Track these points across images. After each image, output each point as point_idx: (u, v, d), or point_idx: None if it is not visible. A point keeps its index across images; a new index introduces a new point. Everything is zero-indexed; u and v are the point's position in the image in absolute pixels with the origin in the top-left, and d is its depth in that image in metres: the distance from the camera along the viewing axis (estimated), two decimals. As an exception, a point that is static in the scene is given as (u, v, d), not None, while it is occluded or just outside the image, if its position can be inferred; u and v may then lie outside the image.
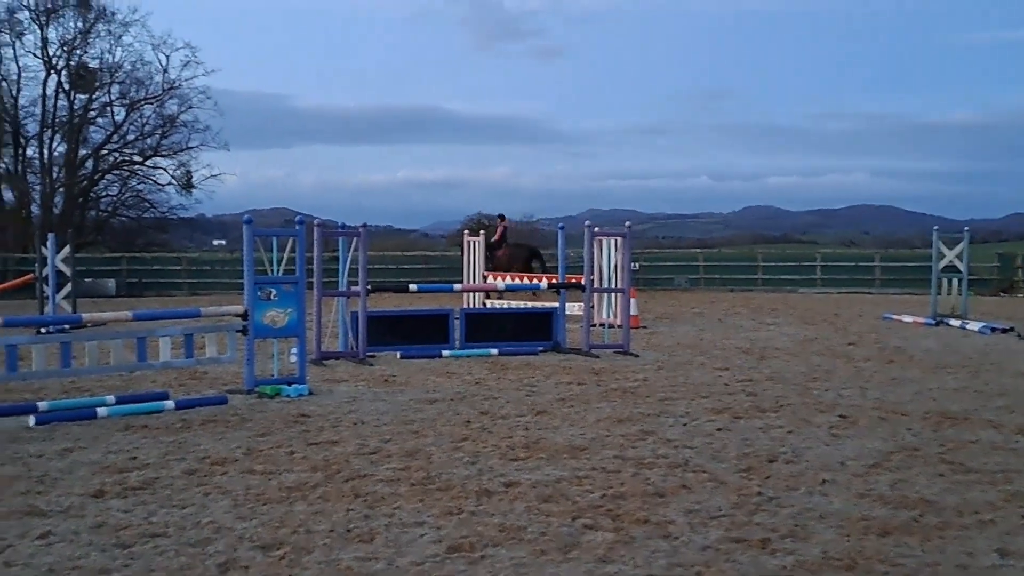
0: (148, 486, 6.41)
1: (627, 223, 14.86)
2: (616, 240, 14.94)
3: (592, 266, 14.58)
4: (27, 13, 38.46)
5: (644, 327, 17.91)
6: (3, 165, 39.11)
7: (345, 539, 5.30)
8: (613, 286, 15.03)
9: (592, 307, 14.72)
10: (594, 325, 14.56)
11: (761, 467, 6.98)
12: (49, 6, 38.63)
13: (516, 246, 25.40)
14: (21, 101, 39.25)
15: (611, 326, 15.15)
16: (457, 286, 16.60)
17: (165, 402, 9.26)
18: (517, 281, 19.09)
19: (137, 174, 42.20)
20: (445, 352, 13.46)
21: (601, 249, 15.30)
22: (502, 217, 26.85)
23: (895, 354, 13.97)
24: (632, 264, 14.95)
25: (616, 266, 14.89)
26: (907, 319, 19.57)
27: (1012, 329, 16.96)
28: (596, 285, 14.82)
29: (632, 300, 15.14)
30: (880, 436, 8.08)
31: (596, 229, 14.70)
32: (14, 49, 38.56)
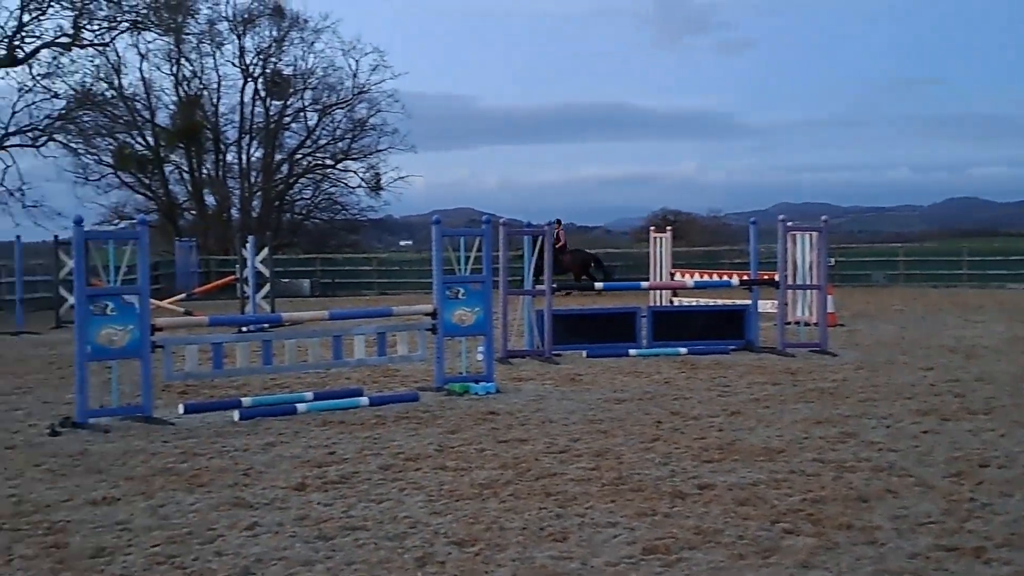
0: (346, 480, 6.58)
1: (823, 217, 14.36)
2: (811, 235, 14.46)
3: (786, 262, 14.16)
4: (226, 24, 40.33)
5: (841, 325, 17.27)
6: (205, 171, 41.20)
7: (538, 537, 5.29)
8: (808, 282, 14.56)
9: (786, 304, 14.30)
10: (789, 323, 14.13)
11: (972, 472, 6.61)
12: (246, 16, 40.42)
13: (576, 251, 27.28)
14: (221, 109, 41.18)
15: (806, 324, 14.67)
16: (644, 283, 16.46)
17: (360, 398, 9.53)
18: (706, 278, 18.76)
19: (329, 177, 43.60)
20: (632, 351, 13.33)
21: (795, 244, 14.83)
22: (559, 222, 26.39)
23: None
24: (828, 259, 14.44)
25: (811, 262, 14.42)
26: None
27: None
28: (790, 282, 14.37)
29: (829, 297, 14.63)
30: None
31: (789, 224, 14.26)
32: (214, 59, 40.46)
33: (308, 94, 41.89)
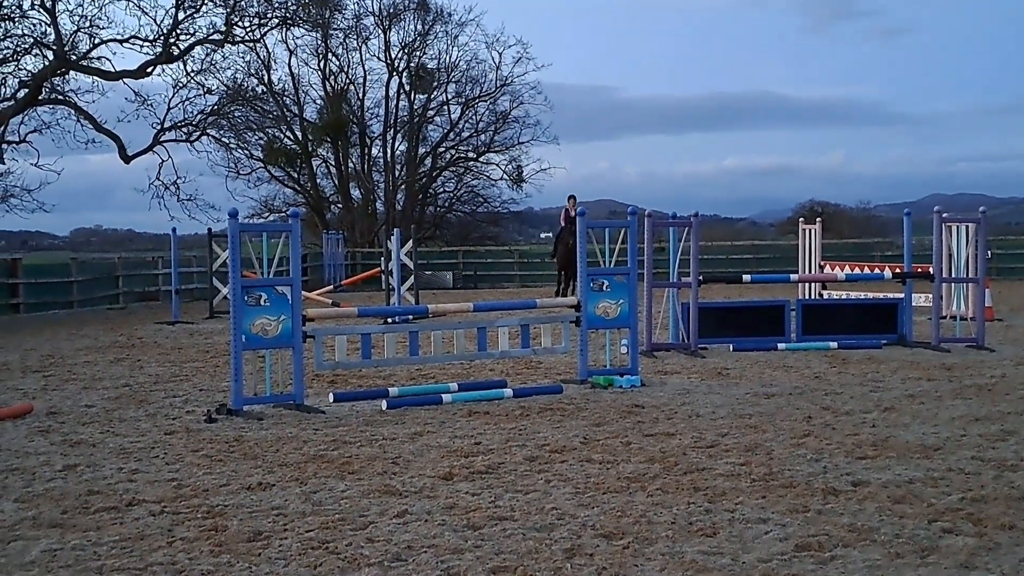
0: (493, 471, 6.64)
1: (981, 208, 13.80)
2: (968, 226, 13.91)
3: (942, 254, 13.65)
4: (372, 19, 41.12)
5: (999, 319, 16.59)
6: (351, 164, 42.14)
7: (688, 532, 5.24)
8: (965, 276, 14.01)
9: (942, 298, 13.79)
10: (944, 317, 13.63)
11: None
12: (391, 11, 41.11)
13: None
14: (366, 103, 42.06)
15: (963, 319, 14.12)
16: (794, 276, 16.11)
17: (504, 390, 9.60)
18: (856, 271, 18.24)
19: (471, 170, 44.03)
20: (780, 345, 13.07)
21: (951, 236, 14.28)
22: (572, 199, 23.07)
23: None
24: (986, 252, 13.86)
25: (968, 254, 13.87)
26: None
27: None
28: (945, 275, 13.85)
29: (986, 291, 14.05)
30: None
31: (945, 215, 13.74)
32: (360, 54, 41.36)
33: (451, 87, 42.42)
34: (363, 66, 41.49)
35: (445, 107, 42.68)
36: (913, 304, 13.97)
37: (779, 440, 7.47)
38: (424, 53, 41.73)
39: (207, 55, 30.91)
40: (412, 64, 41.47)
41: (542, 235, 52.88)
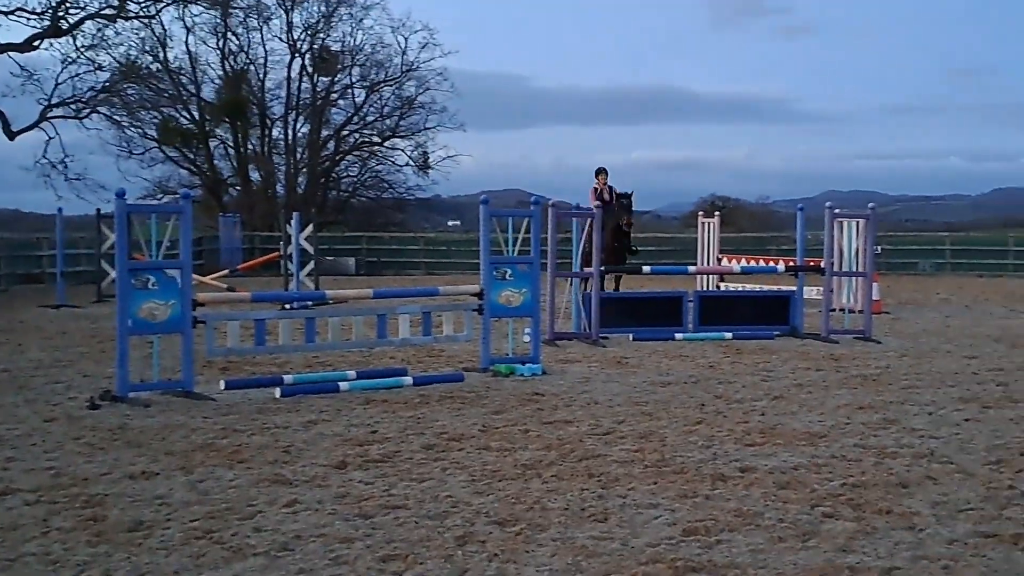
0: (388, 459, 6.61)
1: (870, 204, 14.21)
2: (858, 222, 14.30)
3: (832, 249, 14.01)
4: (273, -1, 40.39)
5: (886, 313, 17.09)
6: (251, 146, 41.41)
7: (580, 518, 5.30)
8: (854, 270, 14.41)
9: (832, 291, 14.16)
10: (833, 310, 13.99)
11: (1013, 460, 6.55)
12: (294, -9, 40.41)
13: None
14: (267, 84, 41.26)
15: (851, 311, 14.52)
16: (692, 268, 16.38)
17: (404, 378, 9.56)
18: (753, 264, 18.62)
19: (376, 155, 43.66)
20: (678, 335, 13.27)
21: (842, 231, 14.67)
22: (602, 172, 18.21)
23: None
24: (875, 247, 14.28)
25: (858, 249, 14.26)
26: None
27: None
28: (836, 268, 14.22)
29: (874, 285, 14.47)
30: None
31: (837, 211, 14.11)
32: (261, 34, 40.59)
33: (356, 71, 41.98)
34: (264, 46, 40.82)
35: (349, 90, 42.26)
36: (805, 297, 14.32)
37: (673, 427, 7.60)
38: (328, 35, 41.25)
39: (98, 30, 30.06)
40: (315, 46, 40.91)
41: (450, 223, 52.82)
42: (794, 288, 14.22)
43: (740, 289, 18.23)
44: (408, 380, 9.49)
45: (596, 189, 17.14)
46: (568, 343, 12.75)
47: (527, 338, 11.15)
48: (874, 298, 14.56)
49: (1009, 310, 18.27)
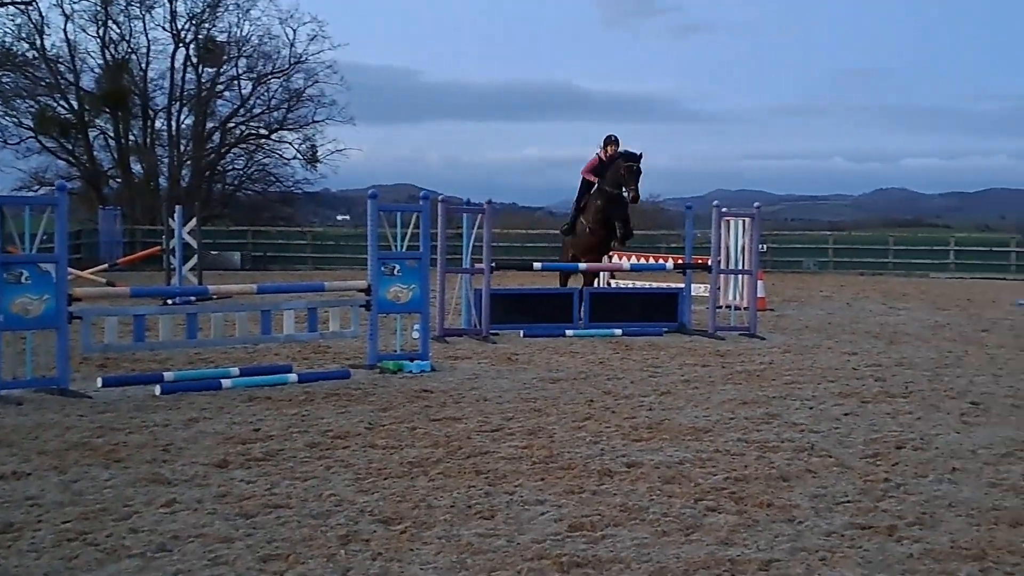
0: (271, 458, 6.47)
1: (755, 204, 14.49)
2: (744, 221, 14.58)
3: (719, 247, 14.26)
4: (157, -13, 39.35)
5: (771, 309, 17.49)
6: (132, 138, 40.24)
7: (466, 515, 5.25)
8: (740, 267, 14.68)
9: (718, 289, 14.41)
10: (720, 307, 14.25)
11: (889, 453, 6.74)
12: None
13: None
14: (150, 74, 40.07)
15: (737, 308, 14.80)
16: (582, 265, 16.44)
17: (288, 375, 9.38)
18: (643, 261, 18.84)
19: (263, 148, 42.86)
20: (568, 331, 13.34)
21: (729, 230, 14.94)
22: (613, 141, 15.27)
23: (1035, 341, 13.32)
24: (760, 246, 14.57)
25: (744, 247, 14.54)
26: (1046, 306, 18.68)
27: None
28: (723, 266, 14.48)
29: (759, 282, 14.78)
30: (1013, 425, 7.73)
31: (724, 209, 14.36)
32: (144, 22, 39.42)
33: (242, 62, 41.10)
34: (147, 36, 39.62)
35: (235, 82, 41.38)
36: (692, 294, 14.55)
37: (561, 423, 7.61)
38: (213, 26, 40.31)
39: (-29, 15, 28.84)
40: (200, 36, 39.96)
41: (339, 217, 52.18)
42: (682, 285, 14.43)
43: (631, 286, 18.42)
44: (293, 377, 9.31)
45: (600, 160, 14.70)
46: (458, 339, 12.70)
47: (416, 334, 11.06)
48: (759, 295, 14.86)
49: (888, 307, 18.86)
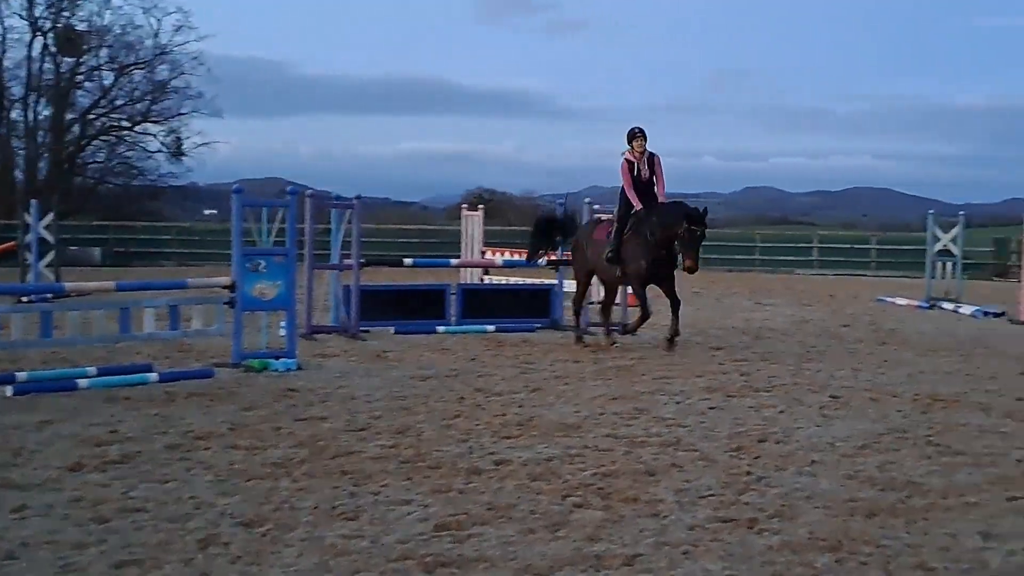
0: (128, 460, 6.25)
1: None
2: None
3: (590, 243, 14.35)
4: (12, -27, 37.92)
5: (641, 305, 17.71)
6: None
7: (330, 516, 5.16)
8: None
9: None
10: (592, 303, 14.38)
11: (752, 446, 6.88)
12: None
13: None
14: (5, 63, 38.65)
15: (608, 304, 14.93)
16: (455, 261, 16.43)
17: (149, 374, 9.08)
18: (517, 257, 18.90)
19: (126, 140, 41.72)
20: (440, 328, 13.28)
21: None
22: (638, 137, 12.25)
23: (888, 336, 13.85)
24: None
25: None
26: (901, 302, 19.48)
27: (1004, 313, 16.84)
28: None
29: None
30: (870, 418, 7.99)
31: (596, 206, 14.50)
32: (-1, 9, 38.06)
33: (104, 52, 39.91)
34: (2, 24, 38.15)
35: (96, 73, 40.09)
36: (565, 290, 14.64)
37: (430, 421, 7.55)
38: (73, 14, 38.98)
39: None
40: (59, 25, 38.54)
41: (206, 212, 50.91)
42: (555, 281, 14.51)
43: (503, 282, 18.47)
44: (154, 376, 9.02)
45: (630, 164, 11.88)
46: (327, 337, 12.51)
47: (283, 332, 10.85)
48: (629, 292, 15.02)
49: (755, 303, 19.36)
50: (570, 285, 15.60)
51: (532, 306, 14.26)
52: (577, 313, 12.93)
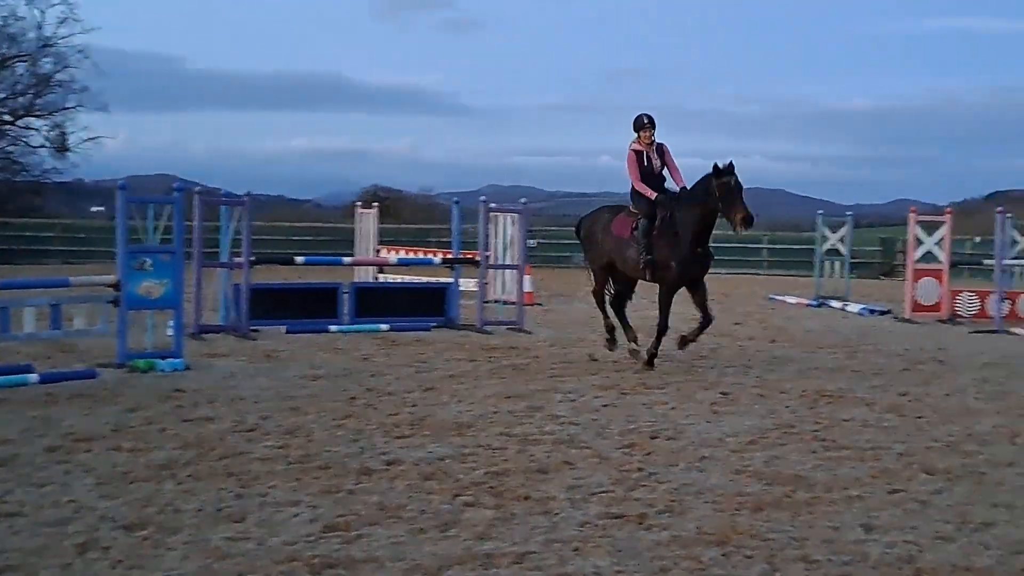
0: (5, 463, 6.04)
1: (523, 200, 14.73)
2: (512, 216, 14.77)
3: (487, 242, 14.39)
4: None
5: (539, 304, 17.80)
6: None
7: (215, 519, 5.05)
8: (508, 262, 14.88)
9: (486, 283, 14.54)
10: (488, 302, 14.38)
11: (643, 443, 6.95)
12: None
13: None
14: None
15: (506, 303, 14.99)
16: (347, 259, 16.26)
17: (29, 375, 8.76)
18: (412, 256, 18.81)
19: (8, 135, 40.26)
20: (332, 327, 13.12)
21: (497, 225, 15.11)
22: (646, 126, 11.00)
23: (778, 334, 14.16)
24: (530, 241, 14.82)
25: (511, 242, 14.73)
26: (791, 300, 19.96)
27: (890, 311, 17.40)
28: (491, 261, 14.62)
29: (527, 277, 15.01)
30: (759, 413, 8.15)
31: (492, 205, 14.51)
32: None
33: (-16, 44, 38.42)
34: None
35: (-25, 65, 38.57)
36: (461, 288, 14.62)
37: (321, 422, 7.45)
38: (-50, 4, 37.40)
39: None
40: (-65, 14, 36.99)
41: (93, 209, 49.42)
42: (451, 280, 14.47)
43: (398, 281, 18.36)
44: (34, 377, 8.70)
45: (639, 153, 10.78)
46: (216, 337, 12.25)
47: (170, 331, 10.58)
48: (526, 290, 15.10)
49: (649, 301, 19.49)
50: (465, 284, 15.62)
51: (427, 305, 14.18)
52: (602, 306, 11.95)
